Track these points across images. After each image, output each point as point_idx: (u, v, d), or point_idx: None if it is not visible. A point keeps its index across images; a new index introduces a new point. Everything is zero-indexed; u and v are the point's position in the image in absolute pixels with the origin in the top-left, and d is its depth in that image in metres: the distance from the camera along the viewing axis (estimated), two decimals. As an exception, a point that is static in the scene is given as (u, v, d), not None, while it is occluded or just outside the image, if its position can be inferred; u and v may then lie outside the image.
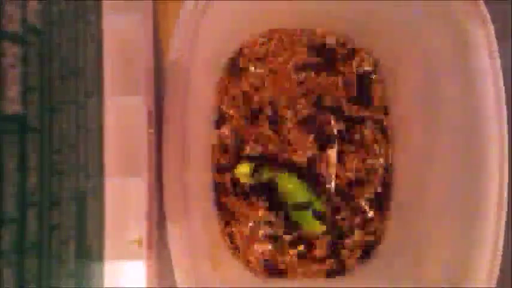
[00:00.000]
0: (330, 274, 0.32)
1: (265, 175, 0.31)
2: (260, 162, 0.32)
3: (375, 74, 0.33)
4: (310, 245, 0.32)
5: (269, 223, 0.32)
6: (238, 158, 0.32)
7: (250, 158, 0.32)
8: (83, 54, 0.21)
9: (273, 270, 0.32)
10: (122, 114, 0.25)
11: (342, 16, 0.32)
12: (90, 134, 0.22)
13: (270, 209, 0.32)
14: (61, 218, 0.18)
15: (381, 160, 0.33)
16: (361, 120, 0.33)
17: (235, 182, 0.32)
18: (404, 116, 0.33)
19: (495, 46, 0.27)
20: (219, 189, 0.32)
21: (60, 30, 0.18)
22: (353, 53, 0.34)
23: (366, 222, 0.33)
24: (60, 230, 0.18)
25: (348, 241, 0.32)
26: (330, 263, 0.32)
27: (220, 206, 0.32)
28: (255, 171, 0.31)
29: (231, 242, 0.32)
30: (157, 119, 0.27)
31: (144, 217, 0.25)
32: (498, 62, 0.27)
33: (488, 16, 0.26)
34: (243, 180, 0.32)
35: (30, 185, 0.15)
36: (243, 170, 0.31)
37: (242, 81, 0.33)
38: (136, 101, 0.26)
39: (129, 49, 0.26)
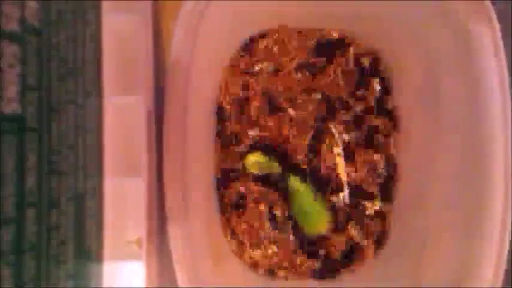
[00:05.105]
0: (331, 274, 0.32)
1: (275, 170, 0.31)
2: (270, 156, 0.32)
3: (377, 74, 0.33)
4: (312, 245, 0.32)
5: (272, 222, 0.32)
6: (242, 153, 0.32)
7: (261, 150, 0.32)
8: (82, 54, 0.21)
9: (274, 269, 0.32)
10: (121, 114, 0.25)
11: (343, 16, 0.32)
12: (89, 134, 0.22)
13: (273, 205, 0.32)
14: (60, 219, 0.18)
15: (384, 160, 0.33)
16: (363, 120, 0.33)
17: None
18: (407, 115, 0.32)
19: (501, 45, 0.26)
20: (221, 187, 0.32)
21: (59, 29, 0.18)
22: (354, 52, 0.33)
23: (369, 222, 0.33)
24: (58, 231, 0.18)
25: (352, 242, 0.32)
26: (331, 263, 0.32)
27: (222, 205, 0.32)
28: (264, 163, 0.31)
29: (233, 241, 0.32)
30: (157, 119, 0.27)
31: (144, 217, 0.25)
32: (504, 61, 0.26)
33: (494, 15, 0.26)
34: (252, 170, 0.32)
35: (28, 186, 0.15)
36: (253, 158, 0.31)
37: (243, 81, 0.33)
38: (136, 101, 0.26)
39: (129, 49, 0.26)
